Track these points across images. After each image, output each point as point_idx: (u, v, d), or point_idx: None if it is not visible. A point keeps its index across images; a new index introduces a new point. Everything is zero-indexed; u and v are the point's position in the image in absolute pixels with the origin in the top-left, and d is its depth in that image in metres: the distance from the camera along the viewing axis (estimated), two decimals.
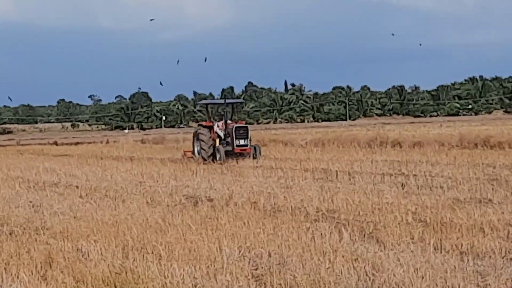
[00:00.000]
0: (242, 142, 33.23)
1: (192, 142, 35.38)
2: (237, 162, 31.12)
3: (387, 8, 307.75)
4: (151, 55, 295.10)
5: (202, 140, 33.35)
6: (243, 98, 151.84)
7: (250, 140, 33.76)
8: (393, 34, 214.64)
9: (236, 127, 33.31)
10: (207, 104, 39.41)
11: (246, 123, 35.77)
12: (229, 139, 33.52)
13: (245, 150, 33.22)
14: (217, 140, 33.58)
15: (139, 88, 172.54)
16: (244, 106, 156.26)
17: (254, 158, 32.62)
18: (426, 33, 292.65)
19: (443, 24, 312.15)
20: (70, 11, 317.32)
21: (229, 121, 34.32)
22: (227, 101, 36.31)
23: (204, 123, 35.04)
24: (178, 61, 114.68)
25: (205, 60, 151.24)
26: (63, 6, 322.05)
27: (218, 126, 34.03)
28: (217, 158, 32.50)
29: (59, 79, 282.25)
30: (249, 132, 33.81)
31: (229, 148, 33.17)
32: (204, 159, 32.72)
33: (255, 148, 33.52)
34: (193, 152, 34.46)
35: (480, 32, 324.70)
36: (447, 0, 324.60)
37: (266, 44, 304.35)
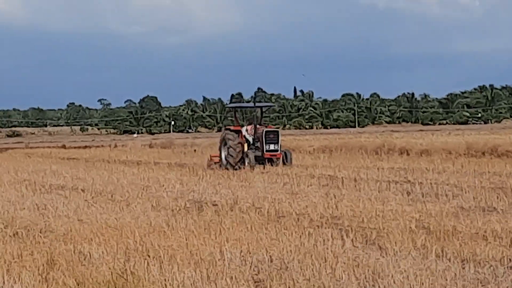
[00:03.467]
0: (272, 147, 32.06)
1: (219, 147, 33.67)
2: (243, 168, 30.94)
3: (395, 15, 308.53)
4: (160, 59, 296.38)
5: (230, 146, 32.14)
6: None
7: (280, 146, 32.66)
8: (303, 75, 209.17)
9: (266, 132, 32.18)
10: (235, 108, 38.59)
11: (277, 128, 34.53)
12: (258, 144, 32.37)
13: (275, 155, 32.06)
14: (245, 145, 32.45)
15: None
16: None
17: (285, 164, 31.51)
18: (435, 41, 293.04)
19: (451, 32, 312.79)
20: (79, 14, 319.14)
21: (258, 126, 33.23)
22: (257, 104, 35.41)
23: (231, 127, 33.93)
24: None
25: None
26: (72, 10, 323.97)
27: (246, 130, 32.91)
28: (246, 163, 31.45)
29: (69, 82, 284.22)
30: (280, 137, 32.78)
31: (259, 153, 32.02)
32: (232, 165, 31.64)
33: (285, 154, 32.44)
34: (220, 158, 33.16)
35: (489, 40, 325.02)
36: (455, 8, 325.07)
37: (276, 50, 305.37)
